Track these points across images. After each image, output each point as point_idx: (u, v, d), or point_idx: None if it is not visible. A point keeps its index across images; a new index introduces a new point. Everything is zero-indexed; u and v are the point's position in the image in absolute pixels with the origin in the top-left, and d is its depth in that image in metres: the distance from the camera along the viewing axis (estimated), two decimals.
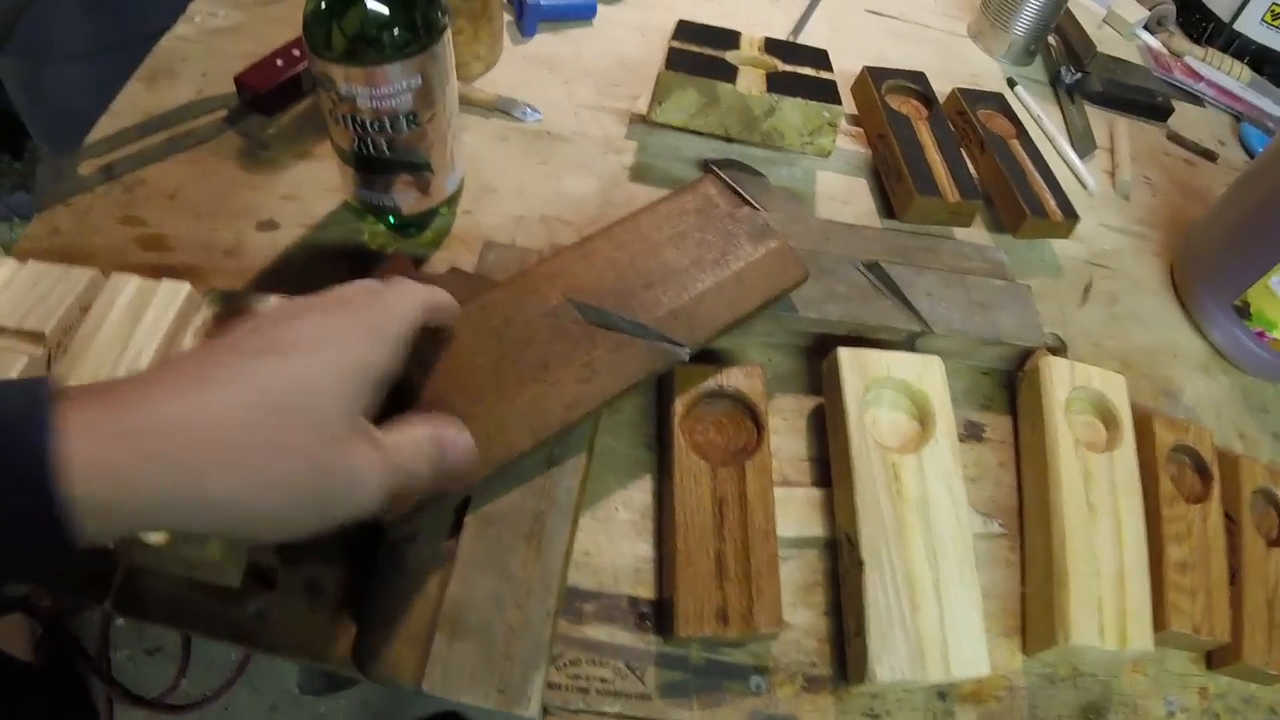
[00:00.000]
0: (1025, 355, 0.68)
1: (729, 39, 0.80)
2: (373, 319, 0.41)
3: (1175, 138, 1.02)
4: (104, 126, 0.75)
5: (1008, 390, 0.69)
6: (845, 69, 0.87)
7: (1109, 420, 0.64)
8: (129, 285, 0.58)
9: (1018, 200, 0.76)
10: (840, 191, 0.82)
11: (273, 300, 0.57)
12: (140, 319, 0.57)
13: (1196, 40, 1.21)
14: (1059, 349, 0.73)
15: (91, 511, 0.31)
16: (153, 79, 0.80)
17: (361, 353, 0.40)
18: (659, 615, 0.53)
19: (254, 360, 0.37)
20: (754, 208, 0.62)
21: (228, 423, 0.34)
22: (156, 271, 0.63)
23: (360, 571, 0.51)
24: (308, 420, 0.37)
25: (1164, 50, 1.16)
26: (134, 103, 0.78)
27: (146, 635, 1.47)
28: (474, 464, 0.46)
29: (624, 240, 0.59)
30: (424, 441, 0.43)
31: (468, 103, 0.80)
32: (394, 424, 0.42)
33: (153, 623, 0.50)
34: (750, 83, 0.73)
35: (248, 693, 1.43)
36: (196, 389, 0.35)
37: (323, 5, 0.55)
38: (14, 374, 0.54)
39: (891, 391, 0.61)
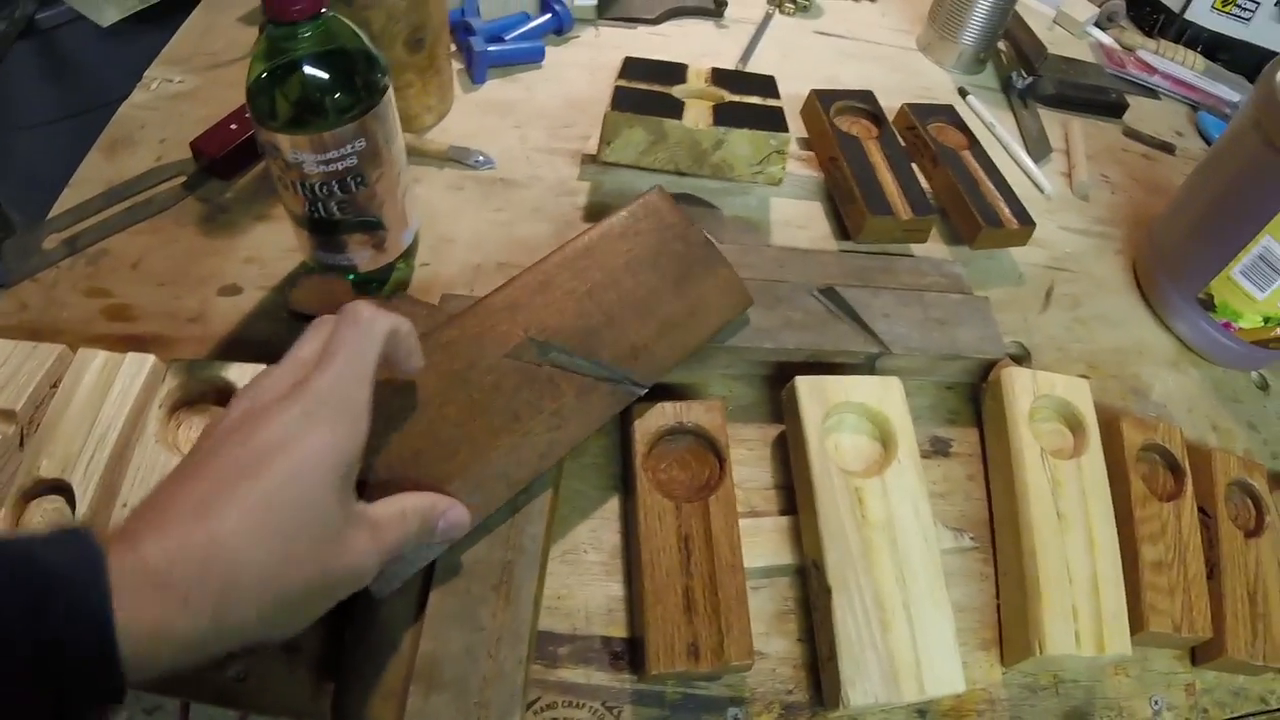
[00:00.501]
0: (988, 367, 0.68)
1: (676, 73, 0.81)
2: (336, 392, 0.41)
3: (1132, 133, 1.03)
4: (67, 199, 0.76)
5: (973, 403, 0.70)
6: (797, 92, 0.88)
7: (1075, 426, 0.65)
8: (95, 360, 0.59)
9: (972, 212, 0.77)
10: (796, 217, 0.82)
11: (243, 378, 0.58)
12: (108, 393, 0.58)
13: (1149, 33, 1.23)
14: (1022, 358, 0.74)
15: (138, 668, 0.33)
16: (112, 148, 0.81)
17: (338, 435, 0.40)
18: (633, 654, 0.54)
19: (248, 479, 0.37)
20: (699, 230, 0.62)
21: (243, 556, 0.35)
22: (123, 342, 0.64)
23: (337, 630, 0.51)
24: (312, 529, 0.38)
25: (1116, 46, 1.17)
26: (95, 173, 0.79)
27: (144, 695, 1.45)
28: (465, 530, 0.47)
29: (581, 267, 0.58)
30: (413, 517, 0.44)
31: (420, 154, 0.81)
32: (385, 501, 0.44)
33: (136, 689, 0.50)
34: (697, 116, 0.74)
35: None
36: (200, 520, 0.35)
37: (264, 75, 0.55)
38: None
39: (852, 415, 0.61)
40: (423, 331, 0.50)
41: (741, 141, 0.73)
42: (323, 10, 0.54)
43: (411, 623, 0.50)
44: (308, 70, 0.55)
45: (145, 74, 0.91)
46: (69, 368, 0.60)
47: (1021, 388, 0.64)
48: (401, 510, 0.44)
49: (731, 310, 0.61)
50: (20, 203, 1.58)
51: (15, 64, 1.19)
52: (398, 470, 0.49)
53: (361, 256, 0.65)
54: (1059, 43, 1.14)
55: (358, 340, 0.43)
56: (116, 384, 0.58)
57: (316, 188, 0.59)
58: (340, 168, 0.58)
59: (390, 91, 0.59)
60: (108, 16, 1.16)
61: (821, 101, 0.85)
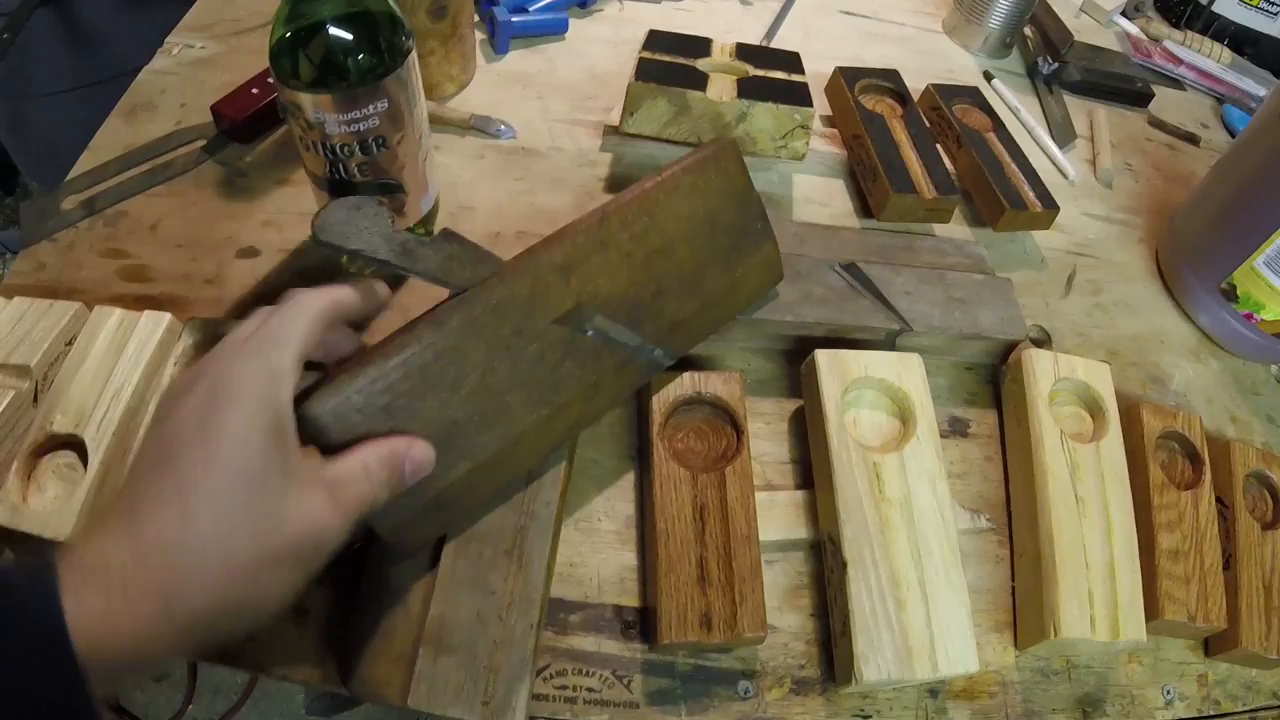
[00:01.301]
0: (1008, 349, 0.68)
1: (700, 46, 0.80)
2: (248, 365, 0.40)
3: (1157, 123, 1.02)
4: (85, 162, 0.76)
5: (992, 385, 0.69)
6: (820, 71, 0.87)
7: (1095, 410, 0.64)
8: (111, 318, 0.60)
9: (995, 194, 0.76)
10: (818, 194, 0.82)
11: None
12: (123, 351, 0.58)
13: (1175, 24, 1.22)
14: (1043, 341, 0.73)
15: (100, 664, 0.33)
16: (132, 113, 0.81)
17: (250, 408, 0.38)
18: (645, 623, 0.54)
19: (162, 470, 0.37)
20: (759, 199, 0.60)
21: (175, 541, 0.36)
22: (139, 303, 0.64)
23: (346, 593, 0.51)
24: (246, 504, 0.37)
25: (1143, 36, 1.16)
26: (114, 137, 0.79)
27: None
28: (430, 466, 0.46)
29: (640, 229, 0.54)
30: (376, 468, 0.43)
31: (442, 122, 0.81)
32: (342, 456, 0.42)
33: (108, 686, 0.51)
34: (721, 89, 0.73)
35: (255, 716, 1.44)
36: (126, 517, 0.36)
37: (287, 34, 0.55)
38: (2, 406, 0.55)
39: (871, 391, 0.61)
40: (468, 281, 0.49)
41: (765, 115, 0.73)
42: None
43: (422, 586, 0.50)
44: (332, 31, 0.55)
45: (166, 40, 0.91)
46: (84, 325, 0.60)
47: (1042, 370, 0.63)
48: (363, 464, 0.42)
49: (767, 287, 0.60)
50: (37, 170, 1.59)
51: (34, 32, 1.19)
52: (433, 438, 0.47)
53: None
54: (1085, 31, 1.13)
55: (284, 314, 0.42)
56: (132, 342, 0.58)
57: (338, 149, 0.59)
58: (362, 129, 0.58)
59: (414, 55, 0.59)
60: None
61: (846, 79, 0.84)
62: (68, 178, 0.75)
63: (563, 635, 0.53)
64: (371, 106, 0.57)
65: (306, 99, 0.56)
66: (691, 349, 0.57)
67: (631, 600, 0.55)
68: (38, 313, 0.60)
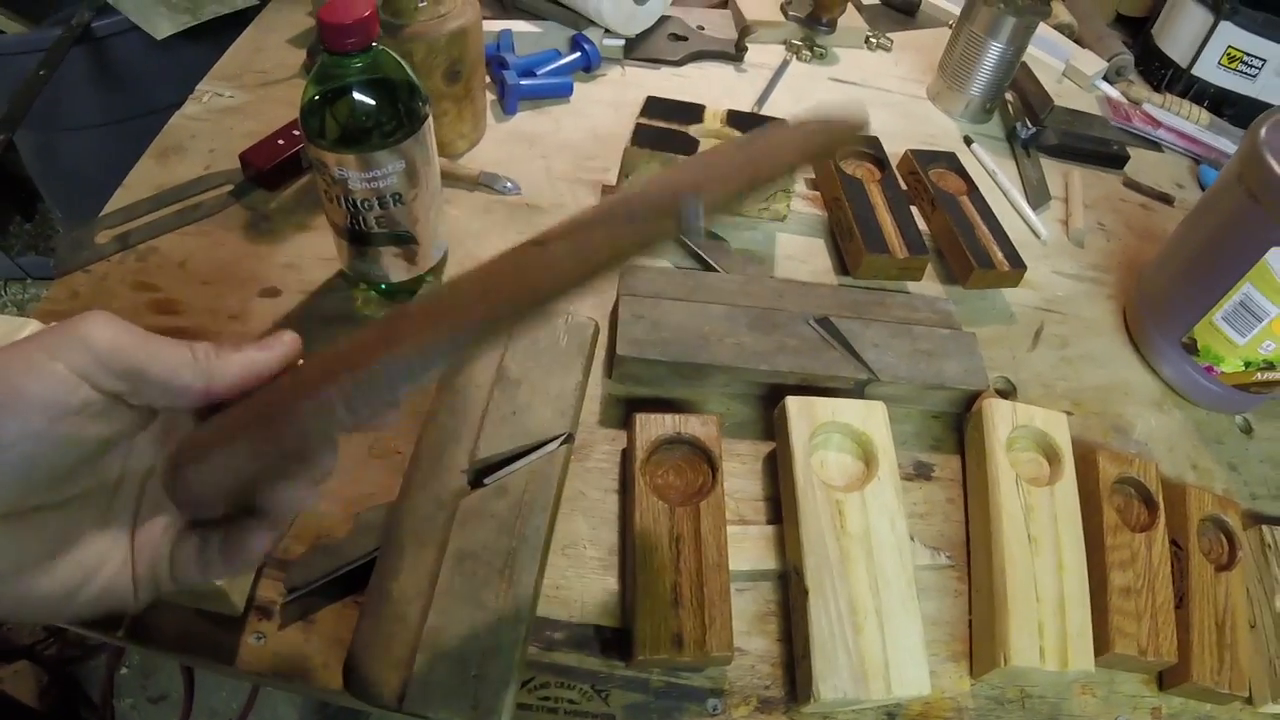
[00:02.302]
0: (972, 398, 0.72)
1: (694, 113, 0.86)
2: None
3: (1131, 184, 1.07)
4: (119, 199, 0.82)
5: (957, 433, 0.74)
6: None
7: (1051, 456, 0.69)
8: None
9: (965, 253, 0.81)
10: (799, 252, 0.87)
11: None
12: None
13: (1157, 87, 1.26)
14: (1008, 392, 0.78)
15: None
16: (163, 155, 0.87)
17: None
18: (623, 644, 0.58)
19: None
20: None
21: None
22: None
23: (352, 605, 0.56)
24: None
25: (1123, 100, 1.21)
26: (146, 177, 0.84)
27: (150, 683, 1.50)
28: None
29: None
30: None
31: (453, 178, 0.86)
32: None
33: (160, 651, 0.55)
34: None
35: None
36: None
37: (316, 97, 0.61)
38: None
39: (838, 435, 0.66)
40: None
41: None
42: (373, 44, 0.59)
43: (421, 599, 0.54)
44: (356, 96, 0.61)
45: (197, 87, 0.96)
46: None
47: (1001, 417, 0.68)
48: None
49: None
50: (62, 199, 1.65)
51: (67, 69, 1.24)
52: None
53: (394, 268, 0.70)
54: (1067, 95, 1.18)
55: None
56: None
57: (359, 203, 0.64)
58: (381, 186, 0.63)
59: (430, 120, 0.65)
60: (162, 30, 1.23)
61: None
62: (102, 213, 0.80)
63: (548, 651, 0.57)
64: (390, 166, 0.63)
65: (331, 157, 0.61)
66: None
67: (612, 621, 0.59)
68: None
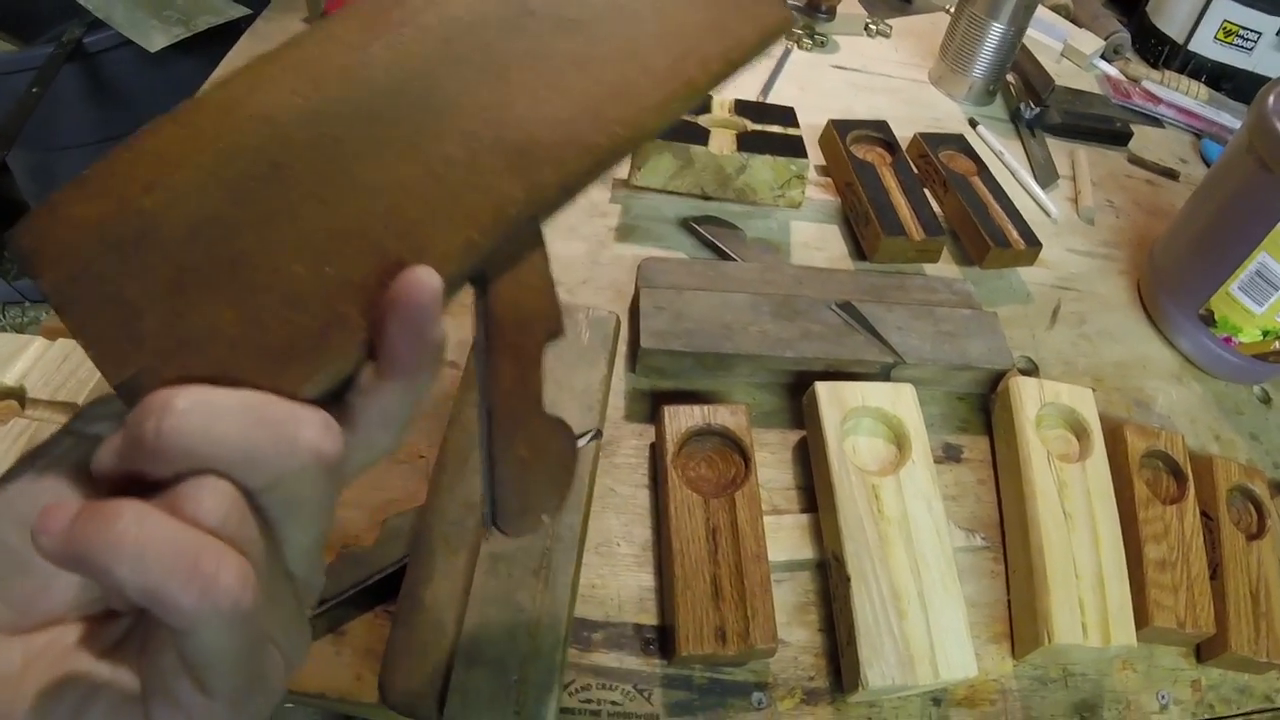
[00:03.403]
0: (997, 378, 0.72)
1: (702, 103, 0.85)
2: None
3: (1136, 160, 1.07)
4: None
5: (983, 414, 0.73)
6: (813, 123, 0.92)
7: (1080, 432, 0.68)
8: None
9: (981, 234, 0.81)
10: (814, 239, 0.87)
11: None
12: None
13: (1154, 64, 1.27)
14: (1030, 370, 0.77)
15: None
16: None
17: None
18: (663, 640, 0.57)
19: None
20: None
21: None
22: None
23: (383, 614, 0.55)
24: None
25: (1122, 78, 1.22)
26: None
27: None
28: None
29: None
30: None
31: None
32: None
33: None
34: (722, 143, 0.78)
35: None
36: None
37: None
38: None
39: (868, 419, 0.65)
40: None
41: (763, 167, 0.78)
42: None
43: (455, 605, 0.53)
44: None
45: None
46: None
47: (1029, 396, 0.67)
48: None
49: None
50: None
51: (60, 87, 1.25)
52: None
53: None
54: (1066, 75, 1.19)
55: None
56: None
57: None
58: None
59: None
60: (155, 43, 1.22)
61: (838, 130, 0.89)
62: None
63: (586, 652, 0.56)
64: None
65: None
66: None
67: (650, 619, 0.58)
68: (81, 355, 0.63)
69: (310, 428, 0.25)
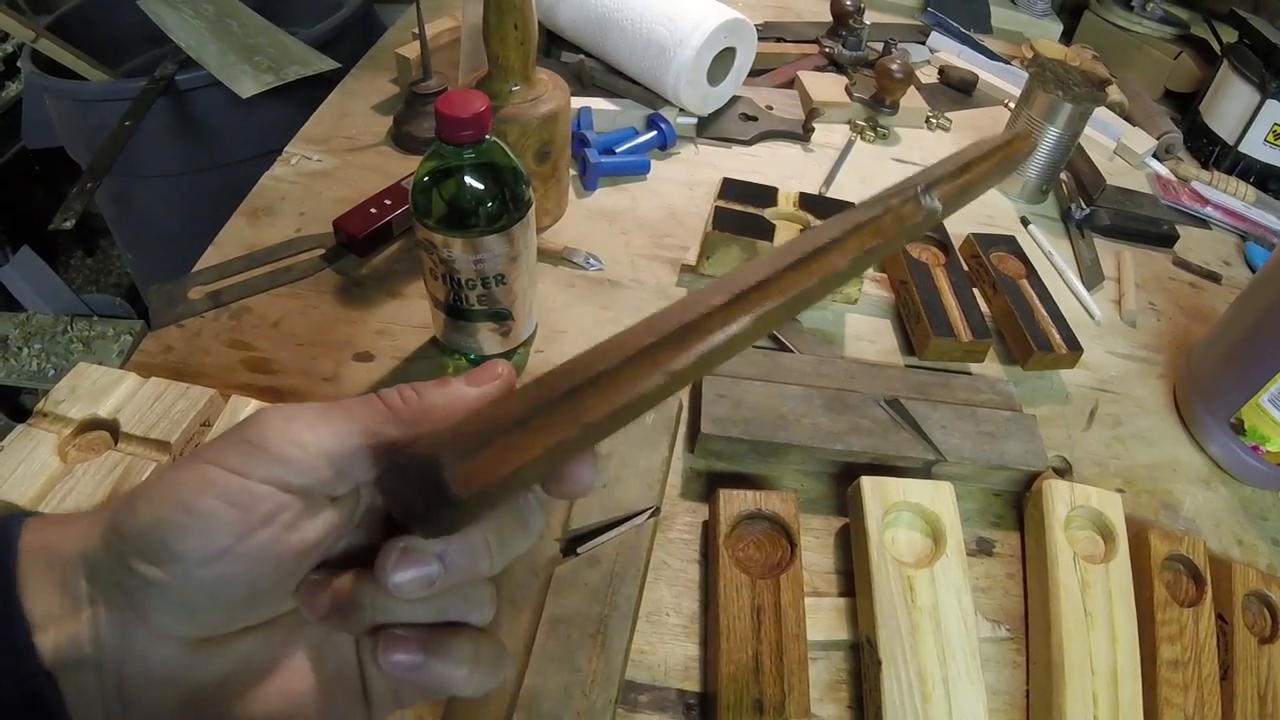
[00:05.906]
0: (1032, 478, 0.76)
1: (768, 196, 0.91)
2: None
3: (1181, 263, 1.10)
4: (210, 256, 0.86)
5: (1016, 510, 0.77)
6: None
7: (1106, 535, 0.72)
8: (248, 407, 0.68)
9: (1025, 337, 0.85)
10: (867, 332, 0.91)
11: None
12: None
13: (1205, 164, 1.30)
14: (1064, 470, 0.81)
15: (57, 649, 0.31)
16: (254, 215, 0.92)
17: None
18: (704, 706, 0.62)
19: None
20: None
21: None
22: (263, 393, 0.73)
23: None
24: None
25: (1172, 177, 1.25)
26: (237, 236, 0.89)
27: None
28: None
29: None
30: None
31: (539, 253, 0.90)
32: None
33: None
34: (786, 238, 0.83)
35: None
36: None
37: (426, 178, 0.65)
38: (143, 478, 0.61)
39: (908, 514, 0.70)
40: None
41: None
42: (486, 135, 0.63)
43: (516, 661, 0.58)
44: (467, 181, 0.65)
45: (285, 149, 1.02)
46: (222, 411, 0.68)
47: (1060, 498, 0.71)
48: None
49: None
50: (131, 241, 1.70)
51: (148, 118, 1.30)
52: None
53: (489, 342, 0.75)
54: (1118, 173, 1.22)
55: None
56: None
57: (463, 281, 0.68)
58: (486, 267, 0.68)
59: (533, 204, 0.69)
60: (247, 90, 1.28)
61: None
62: (194, 270, 0.85)
63: (632, 712, 0.61)
64: (498, 250, 0.67)
65: (440, 238, 0.65)
66: None
67: (693, 685, 0.63)
68: (174, 394, 0.67)
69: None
